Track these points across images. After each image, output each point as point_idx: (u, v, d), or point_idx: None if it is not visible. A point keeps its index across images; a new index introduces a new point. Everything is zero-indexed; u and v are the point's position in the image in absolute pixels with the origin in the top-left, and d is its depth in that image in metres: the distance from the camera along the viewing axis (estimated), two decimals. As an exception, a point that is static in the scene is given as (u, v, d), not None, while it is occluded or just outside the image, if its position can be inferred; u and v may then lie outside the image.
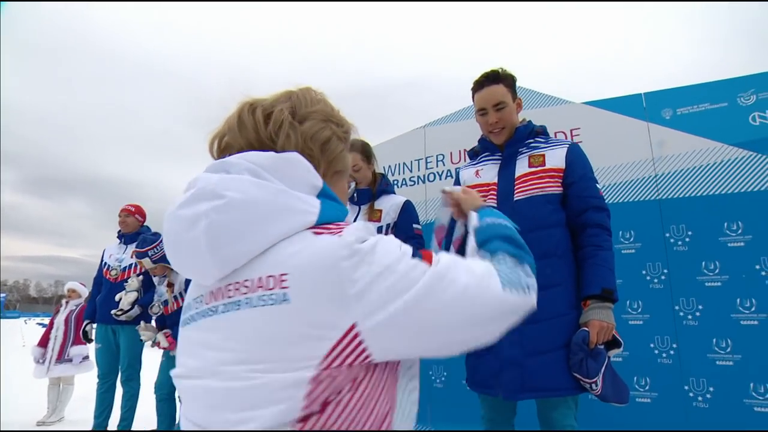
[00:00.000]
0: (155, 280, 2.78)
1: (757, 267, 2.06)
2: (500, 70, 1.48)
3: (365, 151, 1.88)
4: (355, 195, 1.86)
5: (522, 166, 1.44)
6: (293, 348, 0.50)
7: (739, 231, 2.12)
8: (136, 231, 3.22)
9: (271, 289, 0.52)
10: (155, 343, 2.71)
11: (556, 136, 2.59)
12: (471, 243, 0.76)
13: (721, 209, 2.16)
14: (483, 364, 1.36)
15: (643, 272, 2.28)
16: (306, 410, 0.50)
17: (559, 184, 1.39)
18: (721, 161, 2.21)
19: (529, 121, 1.53)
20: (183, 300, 2.69)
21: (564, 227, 1.38)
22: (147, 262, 2.59)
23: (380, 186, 1.91)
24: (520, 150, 1.47)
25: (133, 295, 2.88)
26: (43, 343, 4.14)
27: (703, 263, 2.17)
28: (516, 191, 1.41)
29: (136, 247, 2.67)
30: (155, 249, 2.59)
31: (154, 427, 2.79)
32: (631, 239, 2.34)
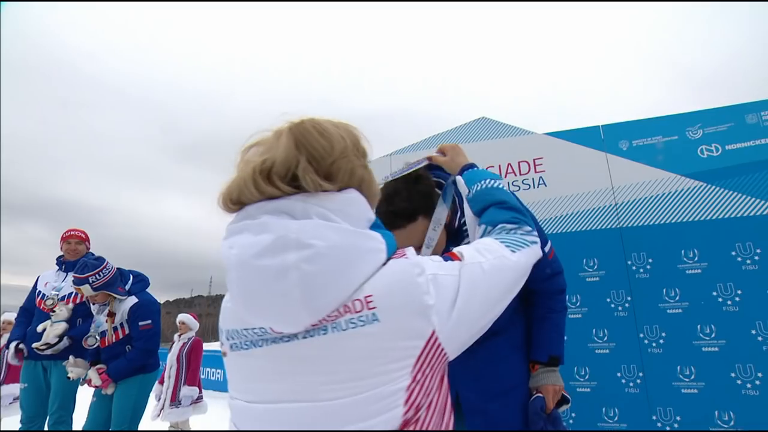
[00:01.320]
0: (94, 308, 2.50)
1: (714, 293, 2.10)
2: (410, 199, 1.11)
3: None
4: None
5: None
6: (388, 362, 0.55)
7: (696, 258, 2.18)
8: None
9: (358, 312, 0.56)
10: (85, 381, 2.40)
11: (519, 166, 2.63)
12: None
13: (678, 237, 2.23)
14: None
15: (608, 300, 2.28)
16: (405, 416, 0.55)
17: None
18: (675, 191, 2.30)
19: (457, 212, 1.22)
20: (124, 331, 2.48)
21: None
22: (87, 289, 2.32)
23: None
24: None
25: (60, 327, 2.55)
26: (-35, 384, 3.68)
27: (665, 290, 2.20)
28: None
29: (76, 272, 2.39)
30: (98, 275, 2.34)
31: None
32: (595, 267, 2.36)
